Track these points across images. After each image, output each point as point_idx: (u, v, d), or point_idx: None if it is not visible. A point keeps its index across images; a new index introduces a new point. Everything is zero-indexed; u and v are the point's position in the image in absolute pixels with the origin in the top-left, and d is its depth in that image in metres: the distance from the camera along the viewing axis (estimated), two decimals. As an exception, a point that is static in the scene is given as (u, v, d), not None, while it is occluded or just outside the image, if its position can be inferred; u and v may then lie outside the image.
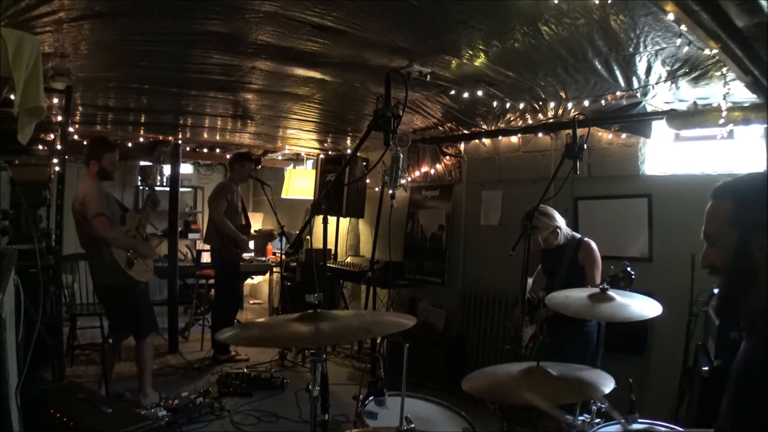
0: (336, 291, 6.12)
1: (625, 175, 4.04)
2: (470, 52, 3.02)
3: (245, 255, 6.20)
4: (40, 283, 2.51)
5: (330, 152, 6.67)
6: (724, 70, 2.79)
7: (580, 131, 2.54)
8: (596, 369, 2.04)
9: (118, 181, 7.70)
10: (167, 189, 6.12)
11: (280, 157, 7.55)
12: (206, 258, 6.32)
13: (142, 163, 7.69)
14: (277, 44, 2.93)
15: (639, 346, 3.75)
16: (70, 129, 4.60)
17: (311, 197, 6.55)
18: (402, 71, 3.14)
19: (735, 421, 1.24)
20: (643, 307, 2.24)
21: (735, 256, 1.30)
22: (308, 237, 6.68)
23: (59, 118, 3.90)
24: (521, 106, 4.07)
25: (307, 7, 2.45)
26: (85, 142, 4.62)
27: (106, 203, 3.75)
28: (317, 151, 6.82)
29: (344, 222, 6.33)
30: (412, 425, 1.79)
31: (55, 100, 3.73)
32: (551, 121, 4.22)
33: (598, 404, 2.22)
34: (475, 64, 3.17)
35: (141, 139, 5.88)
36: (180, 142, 5.96)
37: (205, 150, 6.83)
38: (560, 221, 3.37)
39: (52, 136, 4.59)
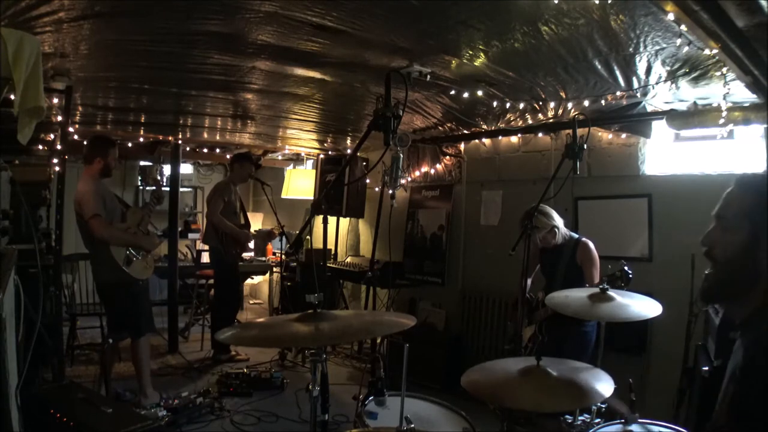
0: (336, 291, 6.12)
1: (625, 175, 4.04)
2: (470, 52, 3.02)
3: (245, 255, 6.20)
4: (40, 283, 2.51)
5: (330, 152, 6.67)
6: (724, 70, 2.79)
7: (580, 131, 2.54)
8: (596, 369, 2.04)
9: (118, 181, 7.71)
10: (167, 189, 6.12)
11: (280, 157, 7.55)
12: (206, 258, 6.32)
13: (142, 163, 7.70)
14: (277, 44, 2.93)
15: (639, 346, 3.75)
16: (70, 129, 4.60)
17: (311, 197, 6.55)
18: (402, 71, 3.14)
19: (734, 418, 1.24)
20: (643, 307, 2.24)
21: (737, 250, 1.26)
22: (308, 237, 6.68)
23: (59, 118, 3.90)
24: (521, 106, 4.07)
25: (307, 7, 2.45)
26: (85, 142, 4.63)
27: (103, 203, 3.75)
28: (317, 151, 6.82)
29: (344, 222, 6.33)
30: (412, 425, 1.79)
31: (55, 100, 3.73)
32: (551, 121, 4.22)
33: (598, 404, 2.22)
34: (475, 64, 3.17)
35: (141, 139, 5.89)
36: (180, 142, 5.96)
37: (205, 150, 6.84)
38: (558, 221, 3.37)
39: (52, 136, 4.60)
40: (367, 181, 5.93)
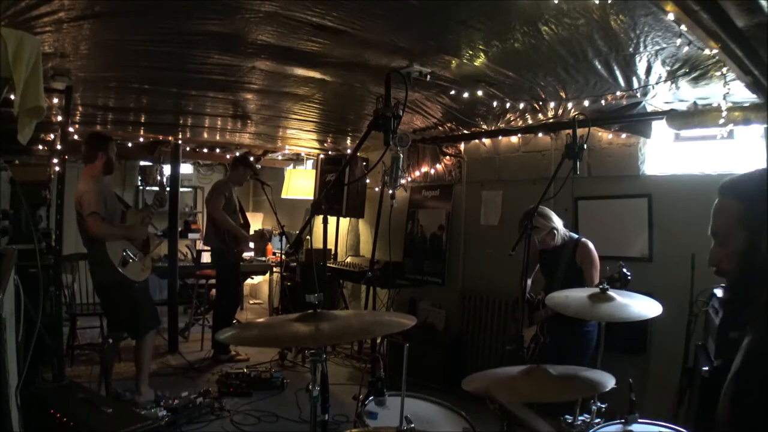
0: (336, 291, 6.12)
1: (625, 175, 4.04)
2: (470, 52, 3.02)
3: (245, 255, 6.20)
4: (40, 283, 2.51)
5: (330, 152, 6.67)
6: (724, 70, 2.79)
7: (580, 131, 2.54)
8: (596, 369, 2.04)
9: (118, 181, 7.71)
10: (167, 189, 6.12)
11: (280, 157, 7.55)
12: (206, 258, 6.32)
13: (142, 163, 7.70)
14: (277, 44, 2.93)
15: (639, 346, 3.75)
16: (70, 129, 4.60)
17: (311, 197, 6.55)
18: (402, 71, 3.14)
19: (735, 416, 1.24)
20: (643, 307, 2.24)
21: (744, 258, 1.26)
22: (308, 237, 6.68)
23: (59, 118, 3.90)
24: (521, 106, 4.07)
25: (307, 7, 2.45)
26: (84, 140, 4.64)
27: (103, 201, 3.74)
28: (317, 151, 6.82)
29: (344, 222, 6.33)
30: (412, 425, 1.79)
31: (55, 100, 3.73)
32: (551, 121, 4.22)
33: (598, 404, 2.22)
34: (475, 64, 3.17)
35: (141, 139, 5.89)
36: (180, 142, 5.96)
37: (205, 150, 6.83)
38: (557, 222, 3.37)
39: (52, 136, 4.60)
40: (367, 181, 5.93)
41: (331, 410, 1.73)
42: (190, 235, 7.66)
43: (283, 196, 6.91)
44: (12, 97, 2.05)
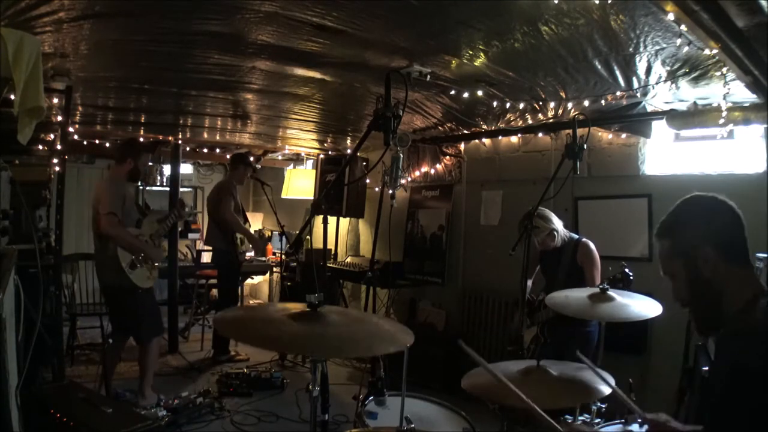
0: (336, 291, 6.12)
1: (625, 175, 4.04)
2: (470, 52, 3.02)
3: (246, 255, 6.19)
4: (40, 283, 2.51)
5: (330, 152, 6.67)
6: (724, 70, 2.79)
7: (580, 131, 2.54)
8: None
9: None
10: (167, 189, 6.12)
11: (280, 157, 7.55)
12: (206, 258, 6.31)
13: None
14: (277, 44, 2.93)
15: (639, 346, 3.75)
16: (70, 129, 4.60)
17: (311, 197, 6.55)
18: (402, 71, 3.14)
19: (719, 421, 1.25)
20: (643, 307, 2.24)
21: (689, 283, 1.39)
22: (308, 237, 6.68)
23: (59, 118, 3.90)
24: (521, 106, 4.07)
25: (307, 7, 2.45)
26: (121, 142, 4.80)
27: (121, 204, 3.77)
28: (317, 151, 6.82)
29: (344, 222, 6.33)
30: (412, 425, 1.79)
31: (55, 100, 3.73)
32: (551, 121, 4.22)
33: (598, 404, 2.22)
34: (475, 64, 3.17)
35: (141, 139, 5.87)
36: (180, 142, 5.96)
37: (205, 150, 6.83)
38: (557, 223, 3.37)
39: (52, 136, 4.59)
40: (367, 181, 5.93)
41: (331, 410, 1.74)
42: (190, 235, 7.66)
43: (283, 196, 6.91)
44: (12, 97, 2.05)
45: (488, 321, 4.87)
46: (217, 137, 6.16)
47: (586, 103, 3.69)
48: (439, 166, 5.52)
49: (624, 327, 2.52)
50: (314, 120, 5.03)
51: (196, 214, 8.43)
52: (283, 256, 6.24)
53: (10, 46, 1.91)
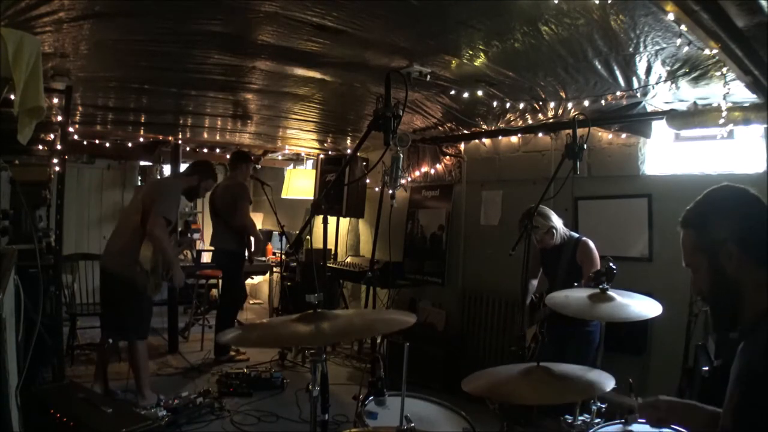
0: (336, 291, 6.12)
1: (625, 175, 4.04)
2: (470, 52, 3.02)
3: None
4: (40, 283, 2.51)
5: (330, 152, 6.67)
6: (724, 70, 2.79)
7: (580, 131, 2.54)
8: (596, 369, 2.04)
9: (117, 181, 7.71)
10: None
11: (280, 157, 7.55)
12: (206, 258, 6.30)
13: (142, 163, 7.69)
14: (277, 44, 2.93)
15: (639, 346, 3.75)
16: (70, 129, 4.60)
17: (311, 197, 6.55)
18: (402, 71, 3.14)
19: (738, 423, 1.24)
20: (643, 307, 2.24)
21: (711, 277, 1.35)
22: (308, 237, 6.68)
23: (59, 118, 3.90)
24: (521, 106, 4.07)
25: (307, 7, 2.45)
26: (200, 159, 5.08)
27: (176, 214, 3.87)
28: (317, 151, 6.82)
29: (344, 222, 6.33)
30: (412, 425, 1.79)
31: (55, 100, 3.73)
32: (551, 121, 4.22)
33: (598, 404, 2.22)
34: (475, 64, 3.17)
35: (141, 139, 5.89)
36: (180, 142, 5.96)
37: (205, 150, 6.83)
38: (556, 221, 3.36)
39: (52, 136, 4.59)
40: (367, 181, 5.93)
41: (331, 410, 1.73)
42: (190, 235, 7.65)
43: (283, 196, 6.91)
44: (12, 97, 2.05)
45: (488, 321, 4.87)
46: (217, 137, 6.17)
47: (586, 103, 3.69)
48: (439, 166, 5.53)
49: (624, 327, 2.52)
50: (314, 120, 5.03)
51: (196, 215, 8.43)
52: (283, 256, 6.24)
53: (10, 46, 1.91)
